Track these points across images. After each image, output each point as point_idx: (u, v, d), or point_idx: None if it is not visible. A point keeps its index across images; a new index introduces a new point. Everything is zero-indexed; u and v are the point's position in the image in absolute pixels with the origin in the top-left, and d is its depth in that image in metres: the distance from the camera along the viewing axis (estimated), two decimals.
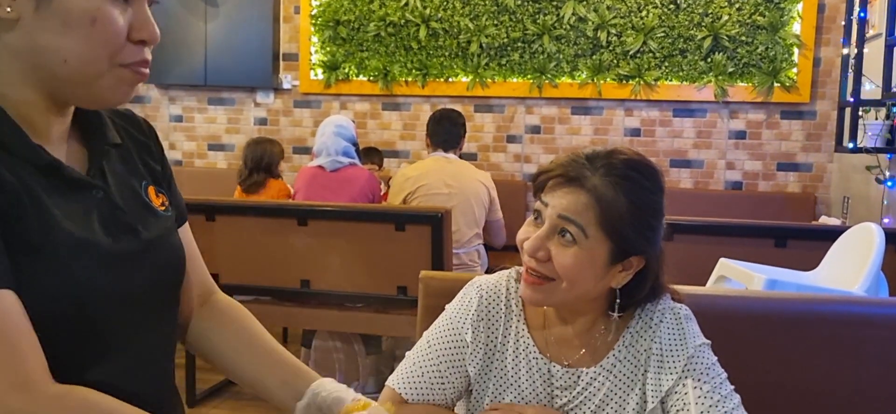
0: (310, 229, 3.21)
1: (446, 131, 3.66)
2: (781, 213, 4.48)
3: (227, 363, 1.11)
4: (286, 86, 5.22)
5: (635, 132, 4.87)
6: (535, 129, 5.01)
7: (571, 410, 1.21)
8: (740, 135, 4.77)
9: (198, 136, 5.43)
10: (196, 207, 3.30)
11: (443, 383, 1.22)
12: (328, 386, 1.00)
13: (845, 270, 2.22)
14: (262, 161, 3.92)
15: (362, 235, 3.19)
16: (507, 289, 1.26)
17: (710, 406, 1.13)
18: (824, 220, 4.09)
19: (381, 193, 3.78)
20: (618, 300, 1.18)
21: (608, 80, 4.78)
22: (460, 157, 3.74)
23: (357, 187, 3.59)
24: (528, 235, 1.15)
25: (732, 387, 1.17)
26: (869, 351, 1.49)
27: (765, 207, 4.56)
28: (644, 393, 1.18)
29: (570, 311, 1.21)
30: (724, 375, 1.18)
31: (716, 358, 1.20)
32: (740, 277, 2.23)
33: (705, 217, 3.27)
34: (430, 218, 3.06)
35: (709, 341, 1.21)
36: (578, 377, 1.20)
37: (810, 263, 2.40)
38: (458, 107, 4.98)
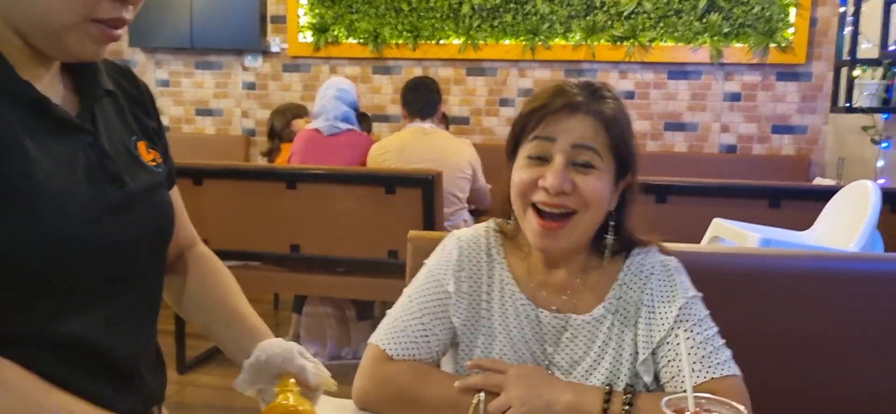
0: (299, 192, 3.16)
1: (422, 99, 3.50)
2: (776, 176, 4.45)
3: (190, 313, 1.12)
4: (275, 48, 5.14)
5: (629, 95, 4.82)
6: (528, 93, 4.94)
7: (567, 365, 1.18)
8: (735, 97, 4.72)
9: (185, 100, 5.35)
10: (183, 170, 3.24)
11: (427, 337, 1.18)
12: (272, 346, 0.98)
13: (840, 228, 2.19)
14: (273, 128, 4.06)
15: (352, 198, 3.15)
16: (487, 239, 1.24)
17: (702, 357, 1.10)
18: (819, 182, 4.06)
19: None
20: (611, 223, 1.18)
21: (602, 41, 4.71)
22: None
23: (353, 153, 3.52)
24: (532, 177, 1.12)
25: (724, 341, 1.15)
26: (864, 307, 1.46)
27: (759, 170, 4.53)
28: (636, 344, 1.16)
29: (565, 254, 1.19)
30: (716, 328, 1.15)
31: (708, 311, 1.17)
32: (734, 236, 2.20)
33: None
34: (420, 180, 3.02)
35: (700, 294, 1.18)
36: (567, 322, 1.18)
37: (805, 224, 2.36)
38: (449, 70, 4.92)
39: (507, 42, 4.83)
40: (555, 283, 1.20)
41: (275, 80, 5.20)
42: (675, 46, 4.65)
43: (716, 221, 2.33)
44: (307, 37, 5.05)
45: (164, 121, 5.35)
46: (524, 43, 4.79)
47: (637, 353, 1.16)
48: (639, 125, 4.82)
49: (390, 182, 3.08)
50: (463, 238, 1.24)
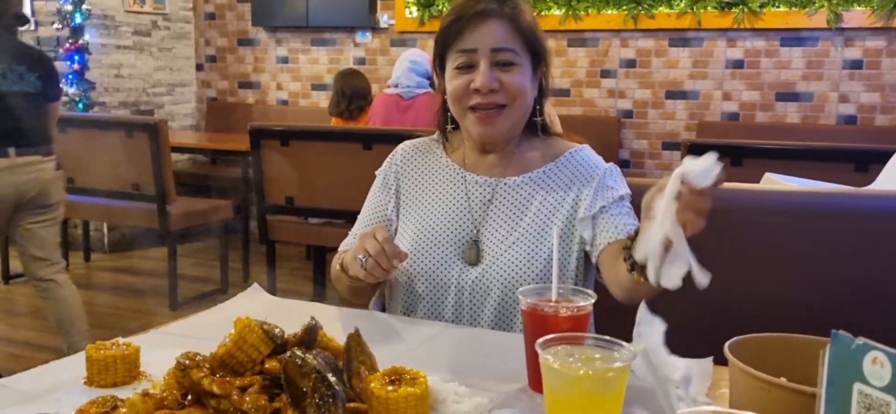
0: (375, 153, 3.30)
1: None
2: None
3: None
4: (383, 24, 5.34)
5: (738, 64, 4.59)
6: (631, 63, 4.83)
7: (496, 225, 1.32)
8: (856, 64, 4.37)
9: (302, 76, 5.67)
10: (272, 132, 3.50)
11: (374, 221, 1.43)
12: None
13: None
14: (358, 91, 4.29)
15: None
16: (429, 142, 1.44)
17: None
18: None
19: None
20: (538, 106, 1.35)
21: (709, 7, 4.52)
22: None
23: (423, 110, 3.67)
24: (464, 82, 1.29)
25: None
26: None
27: (882, 143, 4.17)
28: (576, 205, 1.31)
29: (503, 139, 1.35)
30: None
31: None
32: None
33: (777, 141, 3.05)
34: None
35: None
36: (496, 186, 1.34)
37: None
38: (550, 41, 4.89)
39: (609, 12, 4.74)
40: (486, 163, 1.38)
41: (383, 54, 5.40)
42: (788, 12, 4.38)
43: (766, 175, 2.22)
44: (413, 12, 5.20)
45: (284, 95, 5.69)
46: (626, 12, 4.68)
47: (576, 211, 1.31)
48: (747, 95, 4.59)
49: None
50: (407, 142, 1.46)
